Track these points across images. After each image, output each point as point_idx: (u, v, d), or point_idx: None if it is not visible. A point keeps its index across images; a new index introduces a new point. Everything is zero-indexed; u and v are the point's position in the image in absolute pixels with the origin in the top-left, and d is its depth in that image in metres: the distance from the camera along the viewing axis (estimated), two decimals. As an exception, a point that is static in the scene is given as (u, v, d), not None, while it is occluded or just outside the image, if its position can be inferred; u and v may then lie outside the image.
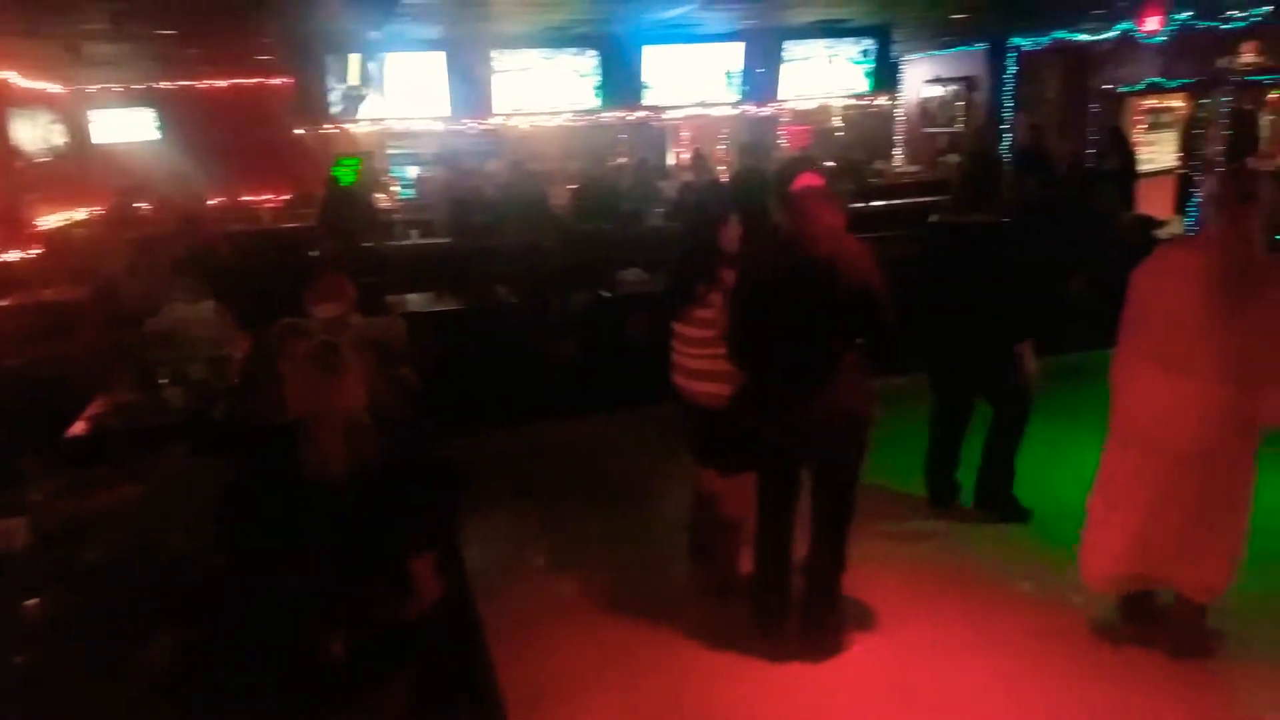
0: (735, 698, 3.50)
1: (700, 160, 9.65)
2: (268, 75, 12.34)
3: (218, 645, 2.69)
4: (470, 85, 10.96)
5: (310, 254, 8.25)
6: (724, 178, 9.94)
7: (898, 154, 15.31)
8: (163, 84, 12.56)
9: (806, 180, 3.60)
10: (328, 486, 2.64)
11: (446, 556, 2.98)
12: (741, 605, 3.95)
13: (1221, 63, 10.36)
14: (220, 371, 4.70)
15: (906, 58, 14.91)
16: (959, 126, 14.08)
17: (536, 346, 6.85)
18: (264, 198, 12.55)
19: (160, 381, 4.58)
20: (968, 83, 13.83)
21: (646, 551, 4.64)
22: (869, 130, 14.53)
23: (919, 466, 5.04)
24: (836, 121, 14.17)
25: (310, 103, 10.59)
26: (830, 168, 11.91)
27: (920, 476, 5.04)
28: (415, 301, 6.99)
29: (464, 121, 11.27)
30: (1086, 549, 3.75)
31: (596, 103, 11.03)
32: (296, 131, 10.98)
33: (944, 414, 4.93)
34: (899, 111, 15.27)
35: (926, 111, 14.82)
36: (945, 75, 14.38)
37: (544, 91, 11.06)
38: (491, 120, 11.31)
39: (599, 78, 10.90)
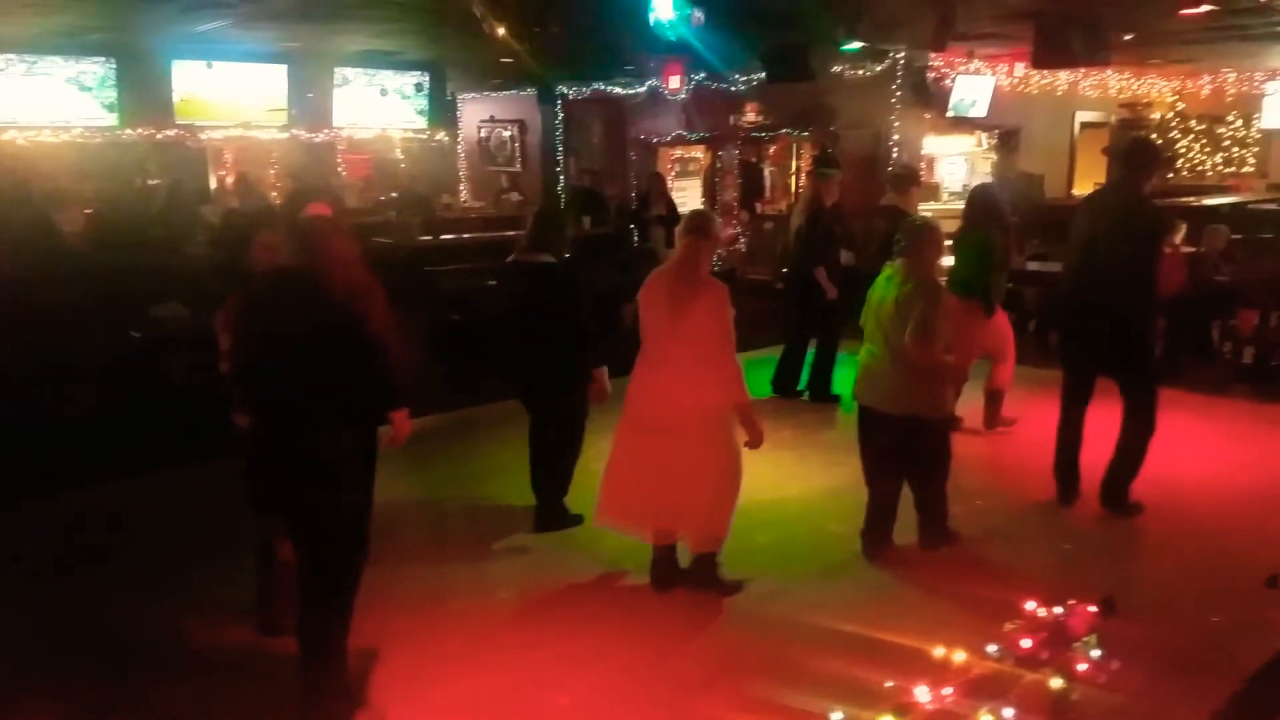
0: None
1: (245, 185, 8.89)
2: None
3: None
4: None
5: None
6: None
7: (464, 190, 15.59)
8: None
9: (316, 209, 3.48)
10: None
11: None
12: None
13: (732, 120, 11.95)
14: None
15: (464, 96, 15.24)
16: (518, 167, 14.71)
17: (49, 400, 5.81)
18: None
19: None
20: (520, 125, 14.50)
21: (194, 629, 4.03)
22: (432, 164, 14.59)
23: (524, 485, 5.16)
24: (398, 154, 14.03)
25: None
26: (394, 199, 11.73)
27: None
28: None
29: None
30: (601, 504, 4.33)
31: (112, 118, 9.69)
32: None
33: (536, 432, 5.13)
34: (461, 148, 15.57)
35: (486, 150, 15.27)
36: (500, 116, 14.94)
37: (47, 103, 9.50)
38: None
39: (116, 91, 9.59)
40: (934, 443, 4.54)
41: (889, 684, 3.29)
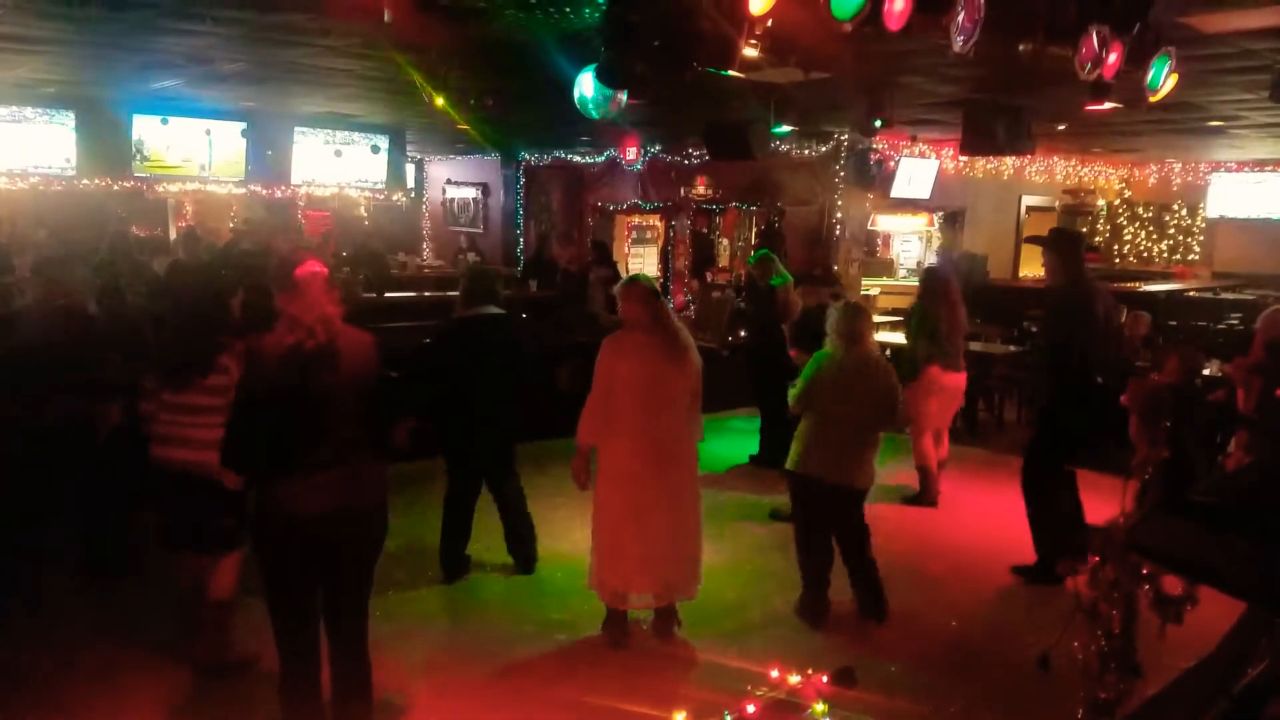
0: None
1: (191, 238, 9.05)
2: None
3: None
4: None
5: None
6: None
7: (427, 249, 15.83)
8: None
9: (310, 267, 3.49)
10: None
11: None
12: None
13: (684, 191, 12.26)
14: None
15: (429, 158, 15.57)
16: (480, 228, 14.99)
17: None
18: None
19: None
20: (483, 188, 14.81)
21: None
22: (396, 223, 14.84)
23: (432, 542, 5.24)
24: (361, 212, 14.28)
25: None
26: (346, 256, 11.93)
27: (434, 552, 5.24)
28: None
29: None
30: (600, 574, 4.46)
31: (71, 167, 9.88)
32: None
33: (458, 492, 5.22)
34: (425, 208, 15.86)
35: (450, 211, 15.57)
36: (464, 179, 15.27)
37: (6, 150, 9.70)
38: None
39: (75, 140, 9.79)
40: (861, 513, 4.82)
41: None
